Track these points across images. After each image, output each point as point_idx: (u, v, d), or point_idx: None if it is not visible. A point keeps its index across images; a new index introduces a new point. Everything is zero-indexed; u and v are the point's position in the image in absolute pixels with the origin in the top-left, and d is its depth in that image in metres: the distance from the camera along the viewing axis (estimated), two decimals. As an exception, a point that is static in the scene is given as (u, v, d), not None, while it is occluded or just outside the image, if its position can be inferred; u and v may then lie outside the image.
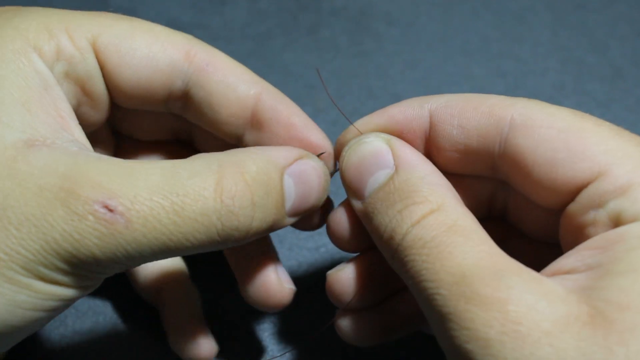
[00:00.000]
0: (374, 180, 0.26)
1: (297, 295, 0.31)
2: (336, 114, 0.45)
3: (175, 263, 0.34)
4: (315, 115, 0.45)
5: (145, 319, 0.35)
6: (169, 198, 0.23)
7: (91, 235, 0.22)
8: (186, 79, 0.28)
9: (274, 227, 0.26)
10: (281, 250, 0.37)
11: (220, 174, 0.24)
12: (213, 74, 0.28)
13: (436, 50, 0.50)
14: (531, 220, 0.27)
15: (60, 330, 0.34)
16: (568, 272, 0.22)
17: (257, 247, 0.30)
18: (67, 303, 0.24)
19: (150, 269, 0.33)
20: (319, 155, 0.28)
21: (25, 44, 0.25)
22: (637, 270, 0.20)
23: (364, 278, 0.29)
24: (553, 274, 0.22)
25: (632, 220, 0.22)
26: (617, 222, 0.22)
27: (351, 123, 0.28)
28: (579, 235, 0.24)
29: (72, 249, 0.22)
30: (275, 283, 0.29)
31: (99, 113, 0.29)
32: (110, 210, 0.22)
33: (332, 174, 0.29)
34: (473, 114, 0.26)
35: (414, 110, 0.27)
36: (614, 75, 0.47)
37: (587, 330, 0.19)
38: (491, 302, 0.20)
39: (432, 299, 0.22)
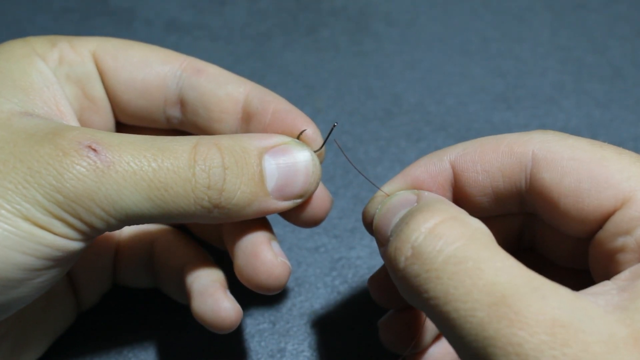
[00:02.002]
0: (397, 217, 0.25)
1: (297, 295, 0.31)
2: (336, 113, 0.45)
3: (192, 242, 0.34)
4: (315, 115, 0.45)
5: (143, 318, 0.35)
6: (150, 150, 0.25)
7: (74, 169, 0.23)
8: (180, 82, 0.30)
9: (256, 205, 0.27)
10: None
11: (196, 141, 0.26)
12: (204, 75, 0.30)
13: (436, 50, 0.50)
14: (561, 249, 0.28)
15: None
16: (600, 294, 0.22)
17: (253, 224, 0.29)
18: (57, 256, 0.24)
19: (168, 246, 0.33)
20: (301, 133, 0.28)
21: (31, 51, 0.28)
22: None
23: (416, 323, 0.29)
24: (588, 295, 0.22)
25: None
26: None
27: (378, 187, 0.28)
28: (609, 263, 0.24)
29: (55, 182, 0.23)
30: (270, 257, 0.28)
31: (101, 118, 0.30)
32: (94, 151, 0.24)
33: (317, 152, 0.29)
34: (494, 156, 0.26)
35: (435, 166, 0.27)
36: (614, 75, 0.47)
37: (636, 352, 0.19)
38: (537, 324, 0.19)
39: (465, 322, 0.21)
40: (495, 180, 0.26)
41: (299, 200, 0.28)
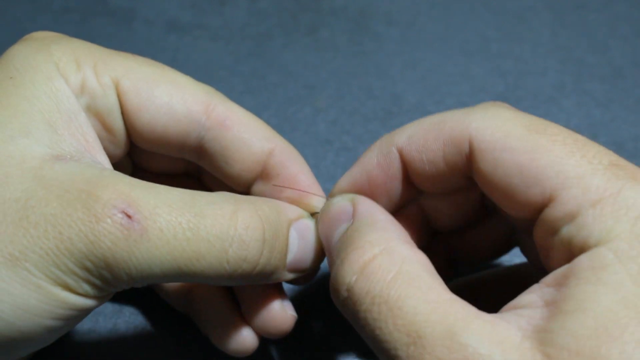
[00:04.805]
0: (337, 233, 0.26)
1: (297, 295, 0.31)
2: (336, 113, 0.45)
3: None
4: (315, 115, 0.45)
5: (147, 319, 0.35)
6: (186, 216, 0.24)
7: (106, 238, 0.22)
8: (202, 132, 0.29)
9: (273, 275, 0.27)
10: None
11: (236, 206, 0.25)
12: (229, 129, 0.29)
13: (436, 50, 0.50)
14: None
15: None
16: (525, 307, 0.21)
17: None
18: (76, 314, 0.24)
19: None
20: (314, 214, 0.29)
21: (55, 72, 0.26)
22: (585, 309, 0.19)
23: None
24: (513, 308, 0.22)
25: (581, 248, 0.21)
26: (570, 249, 0.21)
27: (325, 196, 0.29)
28: (546, 259, 0.23)
29: (85, 250, 0.22)
30: (279, 310, 0.30)
31: (119, 149, 0.29)
32: (129, 217, 0.23)
33: None
34: (436, 145, 0.26)
35: (385, 159, 0.27)
36: (614, 75, 0.47)
37: None
38: None
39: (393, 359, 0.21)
40: (440, 169, 0.26)
41: (300, 274, 0.28)
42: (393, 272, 0.22)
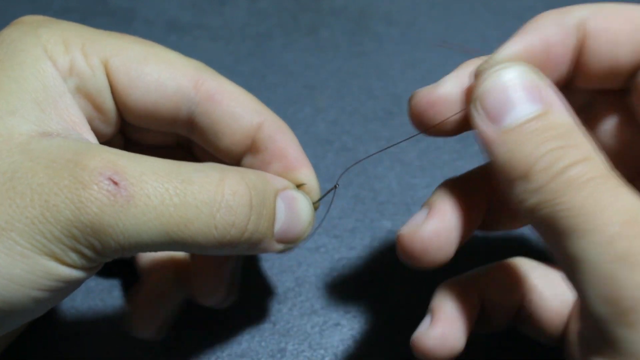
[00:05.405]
0: (521, 111, 0.23)
1: (297, 296, 0.31)
2: (336, 113, 0.45)
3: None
4: (315, 115, 0.45)
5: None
6: (173, 182, 0.24)
7: (93, 204, 0.22)
8: (192, 106, 0.29)
9: (262, 244, 0.27)
10: (281, 250, 0.38)
11: (223, 174, 0.25)
12: (219, 103, 0.29)
13: (436, 50, 0.50)
14: None
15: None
16: None
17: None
18: (63, 286, 0.24)
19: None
20: (300, 185, 0.29)
21: (43, 53, 0.26)
22: None
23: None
24: None
25: None
26: None
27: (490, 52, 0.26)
28: None
29: (72, 217, 0.22)
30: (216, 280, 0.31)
31: (110, 127, 0.29)
32: (115, 184, 0.23)
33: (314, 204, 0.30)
34: (628, 26, 0.24)
35: (562, 30, 0.25)
36: (614, 75, 0.47)
37: None
38: None
39: (593, 238, 0.20)
40: (623, 59, 0.24)
41: (291, 246, 0.28)
42: (602, 173, 0.21)
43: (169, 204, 0.23)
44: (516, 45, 0.26)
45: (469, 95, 0.25)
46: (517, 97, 0.24)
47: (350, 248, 0.38)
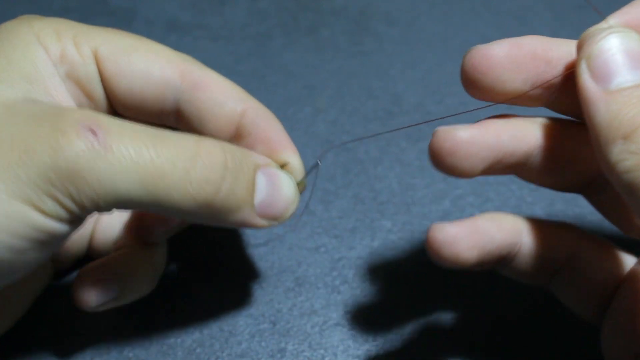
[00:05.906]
0: (629, 76, 0.24)
1: (297, 296, 0.31)
2: (336, 113, 0.45)
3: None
4: (315, 115, 0.45)
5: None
6: (151, 139, 0.24)
7: (71, 150, 0.23)
8: (178, 94, 0.30)
9: (240, 212, 0.27)
10: (281, 249, 0.37)
11: (200, 138, 0.26)
12: (203, 91, 0.30)
13: (436, 50, 0.50)
14: None
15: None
16: None
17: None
18: (43, 237, 0.24)
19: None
20: (284, 165, 0.30)
21: (35, 40, 0.27)
22: None
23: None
24: None
25: None
26: None
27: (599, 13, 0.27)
28: None
29: (49, 161, 0.23)
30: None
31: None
32: (94, 133, 0.23)
33: (298, 183, 0.30)
34: None
35: None
36: (614, 75, 0.47)
37: None
38: None
39: None
40: None
41: (274, 222, 0.29)
42: None
43: (146, 157, 0.24)
44: (630, 14, 0.27)
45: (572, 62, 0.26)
46: (628, 62, 0.24)
47: (350, 248, 0.38)
